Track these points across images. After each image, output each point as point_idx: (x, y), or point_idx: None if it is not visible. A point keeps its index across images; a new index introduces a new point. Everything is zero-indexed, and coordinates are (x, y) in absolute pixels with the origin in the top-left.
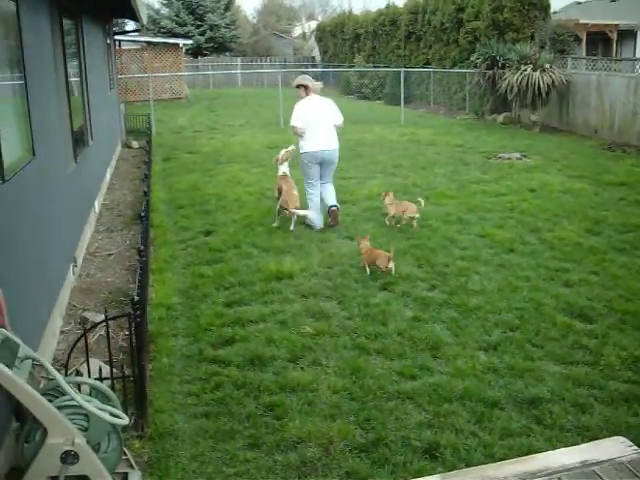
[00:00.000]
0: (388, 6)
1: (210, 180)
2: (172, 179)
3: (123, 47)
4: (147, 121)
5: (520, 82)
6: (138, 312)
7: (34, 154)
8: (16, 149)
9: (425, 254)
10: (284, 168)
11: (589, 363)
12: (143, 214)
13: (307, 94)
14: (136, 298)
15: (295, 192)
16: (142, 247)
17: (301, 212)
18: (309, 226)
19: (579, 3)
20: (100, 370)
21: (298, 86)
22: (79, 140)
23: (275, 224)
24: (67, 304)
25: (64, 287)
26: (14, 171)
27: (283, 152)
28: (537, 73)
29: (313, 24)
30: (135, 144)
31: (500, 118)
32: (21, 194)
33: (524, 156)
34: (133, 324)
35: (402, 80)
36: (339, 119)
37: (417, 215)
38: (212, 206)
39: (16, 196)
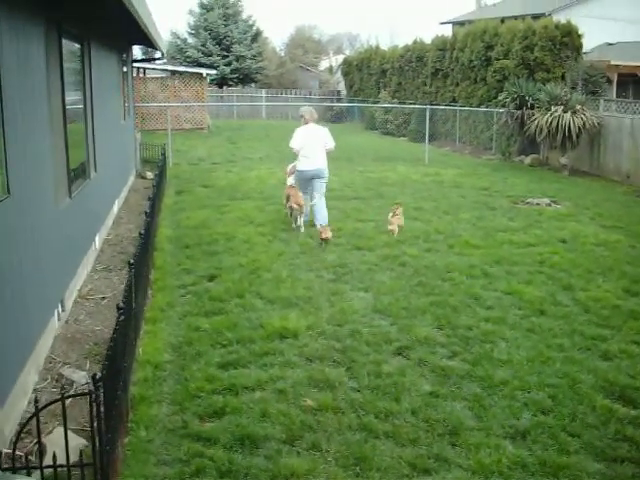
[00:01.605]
0: (415, 42)
1: (221, 217)
2: (182, 214)
3: (150, 75)
4: (161, 152)
5: (550, 123)
6: (100, 391)
7: (9, 192)
8: None
9: (446, 313)
10: (291, 180)
11: (636, 461)
12: (132, 261)
13: (306, 122)
14: (98, 374)
15: (301, 194)
16: (122, 304)
17: (299, 218)
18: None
19: (610, 44)
20: (54, 457)
21: (302, 116)
22: (77, 173)
23: (295, 225)
24: (47, 356)
25: (44, 336)
26: None
27: (291, 166)
28: (568, 115)
29: (340, 58)
30: (150, 175)
31: (528, 160)
32: None
33: (554, 202)
34: (94, 405)
35: (427, 118)
36: (330, 144)
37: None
38: (220, 247)
39: None
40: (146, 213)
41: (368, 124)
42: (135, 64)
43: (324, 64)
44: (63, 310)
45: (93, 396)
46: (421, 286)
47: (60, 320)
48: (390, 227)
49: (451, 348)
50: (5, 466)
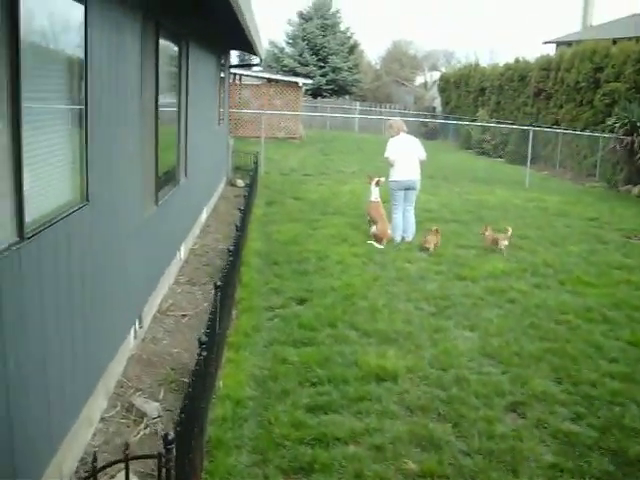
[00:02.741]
0: (517, 61)
1: (313, 233)
2: (272, 227)
3: (245, 82)
4: (254, 160)
5: None
6: (171, 455)
7: (87, 199)
8: (54, 195)
9: (564, 364)
10: (376, 194)
11: None
12: (220, 283)
13: (398, 133)
14: (170, 435)
15: (387, 225)
16: (204, 338)
17: (387, 241)
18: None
19: None
20: None
21: (390, 126)
22: (166, 178)
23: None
24: (118, 379)
25: (117, 357)
26: (45, 224)
27: (377, 179)
28: None
29: (436, 74)
30: (240, 182)
31: (636, 190)
32: (55, 250)
33: None
34: (164, 470)
35: (530, 139)
36: (423, 155)
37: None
38: (311, 266)
39: (44, 253)
40: (237, 227)
41: (463, 143)
42: (231, 69)
43: (420, 79)
44: (140, 327)
45: (163, 459)
46: (533, 328)
47: (136, 338)
48: (503, 242)
49: (573, 408)
50: None
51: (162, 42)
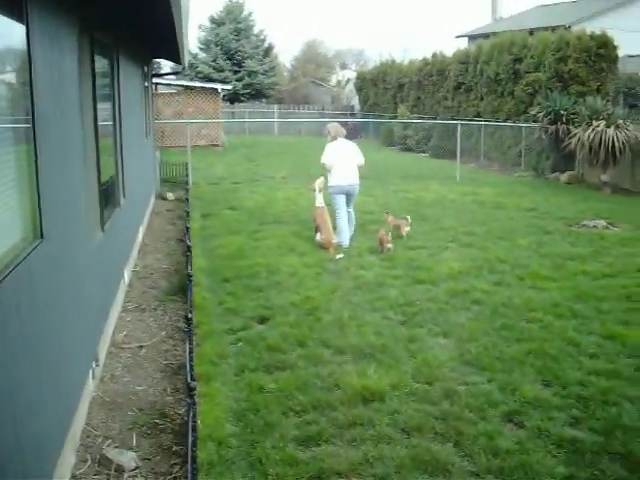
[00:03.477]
0: (435, 55)
1: (257, 245)
2: (213, 242)
3: (160, 91)
4: (185, 172)
5: (592, 139)
6: None
7: (42, 236)
8: (9, 238)
9: (548, 365)
10: (320, 199)
11: None
12: (190, 315)
13: (334, 138)
14: None
15: (332, 233)
16: (193, 383)
17: (338, 256)
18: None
19: (631, 56)
20: None
21: (328, 131)
22: (108, 202)
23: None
24: (83, 427)
25: (80, 405)
26: (5, 270)
27: (319, 181)
28: (611, 130)
29: (347, 73)
30: (170, 196)
31: (564, 177)
32: (15, 299)
33: (610, 224)
34: None
35: (459, 134)
36: (361, 160)
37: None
38: (263, 281)
39: (8, 303)
40: (188, 247)
41: (385, 140)
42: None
43: (335, 79)
44: (97, 364)
45: None
46: (506, 329)
47: (94, 378)
48: (405, 229)
49: (570, 412)
50: None
51: (96, 56)
